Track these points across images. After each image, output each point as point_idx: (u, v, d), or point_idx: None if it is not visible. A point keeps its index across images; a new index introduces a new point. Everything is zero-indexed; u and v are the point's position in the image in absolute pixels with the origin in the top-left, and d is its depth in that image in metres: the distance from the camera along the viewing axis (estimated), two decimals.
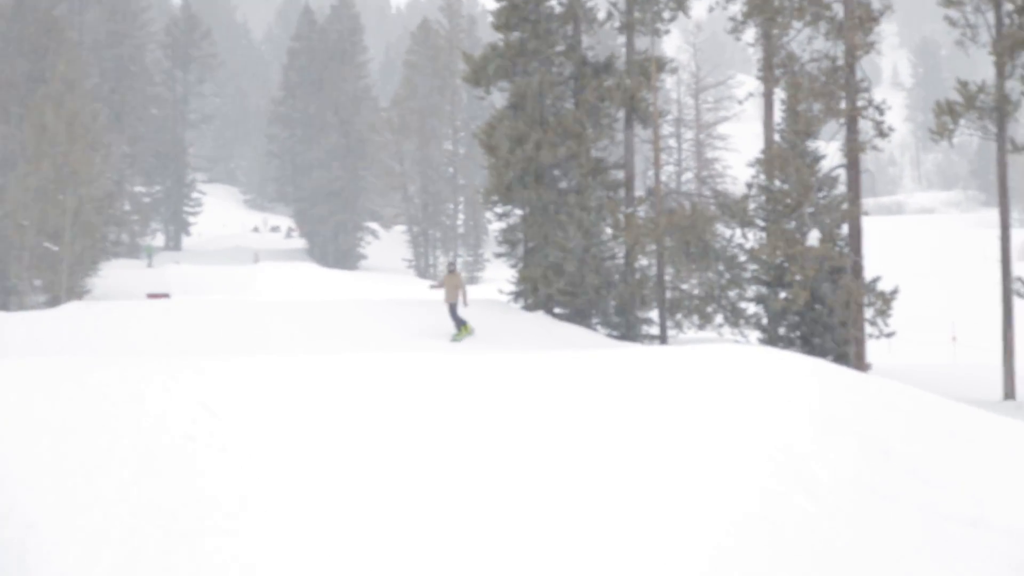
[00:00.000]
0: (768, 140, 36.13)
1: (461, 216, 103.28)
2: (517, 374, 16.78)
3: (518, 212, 37.19)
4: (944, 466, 13.91)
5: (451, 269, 28.29)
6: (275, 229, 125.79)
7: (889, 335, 31.31)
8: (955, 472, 13.78)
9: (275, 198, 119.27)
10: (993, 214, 45.62)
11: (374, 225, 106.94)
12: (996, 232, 33.13)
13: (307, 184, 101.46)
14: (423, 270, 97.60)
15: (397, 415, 13.33)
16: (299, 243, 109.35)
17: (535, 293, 35.55)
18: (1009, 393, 31.35)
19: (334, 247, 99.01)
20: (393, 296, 50.88)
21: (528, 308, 35.76)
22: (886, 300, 30.91)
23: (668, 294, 35.37)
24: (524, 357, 18.35)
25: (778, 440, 14.11)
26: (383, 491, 10.70)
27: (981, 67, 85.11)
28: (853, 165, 32.17)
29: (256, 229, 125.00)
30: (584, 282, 34.88)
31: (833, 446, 14.14)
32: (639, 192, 40.44)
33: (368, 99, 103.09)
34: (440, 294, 33.12)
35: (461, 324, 27.74)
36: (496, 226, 71.42)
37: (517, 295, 36.70)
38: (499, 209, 37.85)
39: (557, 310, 35.68)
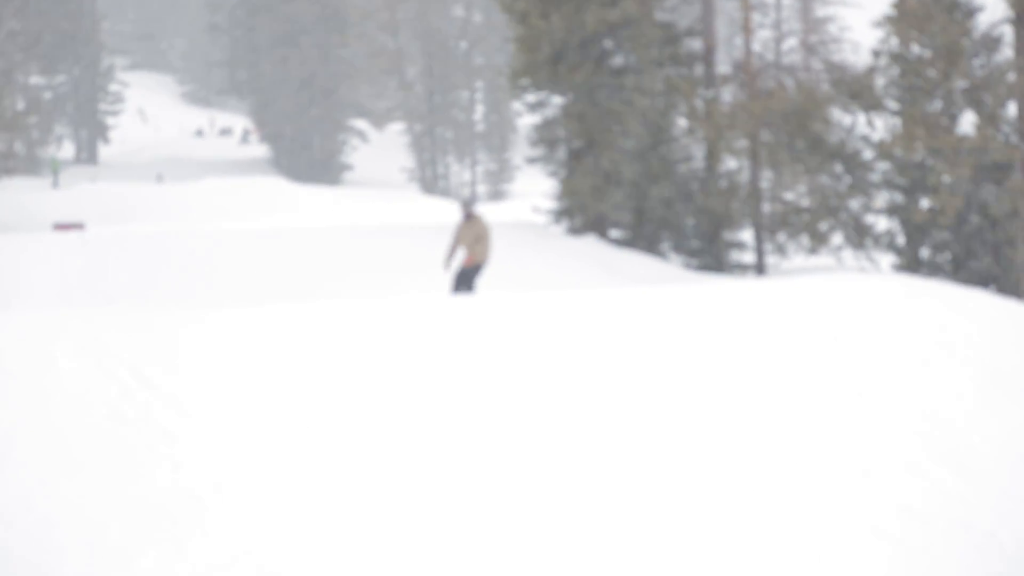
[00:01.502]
0: None
1: (480, 109, 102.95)
2: (555, 322, 16.75)
3: (557, 101, 37.06)
4: None
5: (468, 211, 22.97)
6: (226, 132, 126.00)
7: None
8: None
9: (224, 89, 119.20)
10: None
11: (362, 124, 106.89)
12: None
13: (268, 69, 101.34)
14: (430, 183, 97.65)
15: (386, 393, 13.38)
16: (259, 150, 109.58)
17: (584, 211, 35.54)
18: None
19: (307, 155, 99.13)
20: (392, 220, 50.96)
21: (574, 231, 35.77)
22: None
23: (767, 207, 35.26)
24: (568, 297, 18.35)
25: (926, 407, 14.08)
26: (373, 496, 10.78)
27: None
28: (1023, 18, 31.78)
29: (200, 132, 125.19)
30: (650, 195, 34.81)
31: (998, 412, 14.10)
32: (723, 68, 40.17)
33: None
34: (604, 246, 33.11)
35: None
36: (528, 121, 70.99)
37: (559, 214, 36.70)
38: (531, 98, 37.74)
39: (614, 233, 35.68)
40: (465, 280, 22.80)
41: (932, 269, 31.95)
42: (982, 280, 30.56)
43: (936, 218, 30.87)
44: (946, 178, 30.61)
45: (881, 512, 11.26)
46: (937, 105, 32.05)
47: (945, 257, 32.17)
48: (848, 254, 34.32)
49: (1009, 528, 11.27)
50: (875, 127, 33.92)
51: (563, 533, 10.39)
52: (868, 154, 33.96)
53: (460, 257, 23.06)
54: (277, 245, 32.32)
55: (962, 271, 31.44)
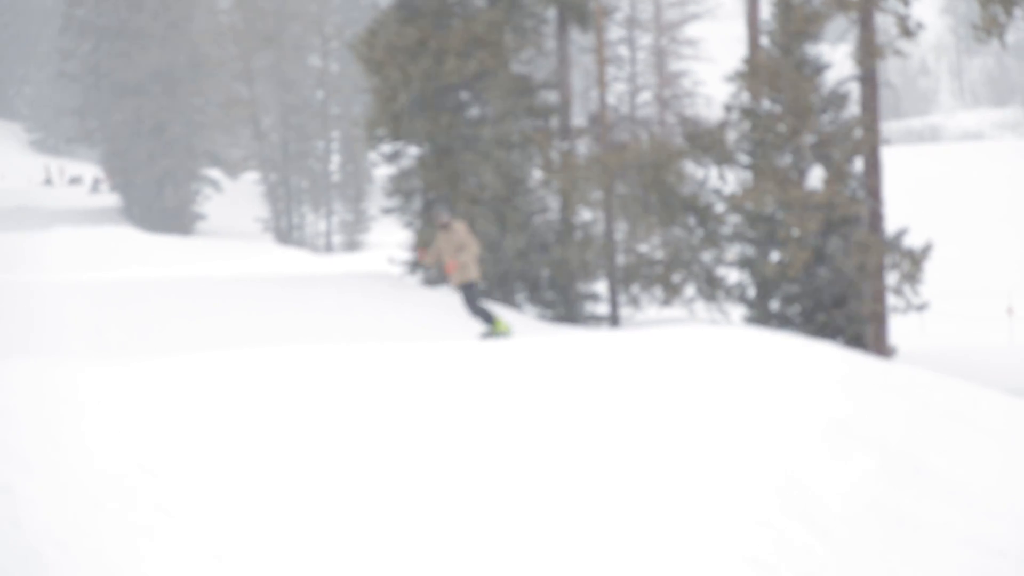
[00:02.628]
0: (753, 45, 36.39)
1: (335, 158, 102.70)
2: (410, 371, 16.75)
3: (413, 151, 37.10)
4: (994, 485, 14.16)
5: (442, 220, 20.81)
6: (75, 181, 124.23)
7: (920, 308, 31.80)
8: (1009, 493, 14.04)
9: (74, 138, 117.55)
10: None
11: (215, 173, 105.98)
12: None
13: (119, 117, 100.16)
14: (284, 233, 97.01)
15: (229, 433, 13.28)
16: (110, 200, 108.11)
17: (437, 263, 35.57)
18: None
19: (159, 205, 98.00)
20: (248, 271, 50.53)
21: (429, 282, 35.75)
22: (915, 261, 31.38)
23: (620, 259, 35.56)
24: (420, 347, 18.34)
25: (773, 457, 14.27)
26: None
27: None
28: (869, 77, 32.53)
29: (49, 181, 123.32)
30: (506, 246, 34.95)
31: (846, 461, 14.33)
32: (579, 120, 40.57)
33: None
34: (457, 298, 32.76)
35: (489, 315, 21.29)
36: (384, 171, 70.96)
37: (414, 265, 36.67)
38: (387, 148, 37.75)
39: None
40: (469, 298, 20.96)
41: (782, 321, 32.45)
42: (831, 333, 31.11)
43: (785, 271, 31.40)
44: (795, 232, 31.14)
45: (730, 565, 11.36)
46: (787, 160, 32.63)
47: (794, 309, 32.71)
48: (700, 306, 34.73)
49: None
50: (727, 180, 34.43)
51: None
52: (720, 207, 34.45)
53: (458, 275, 20.73)
54: (128, 296, 31.90)
55: (811, 323, 31.98)
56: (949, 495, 13.69)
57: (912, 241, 32.49)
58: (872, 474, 14.06)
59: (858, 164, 33.03)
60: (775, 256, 32.46)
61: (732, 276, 34.64)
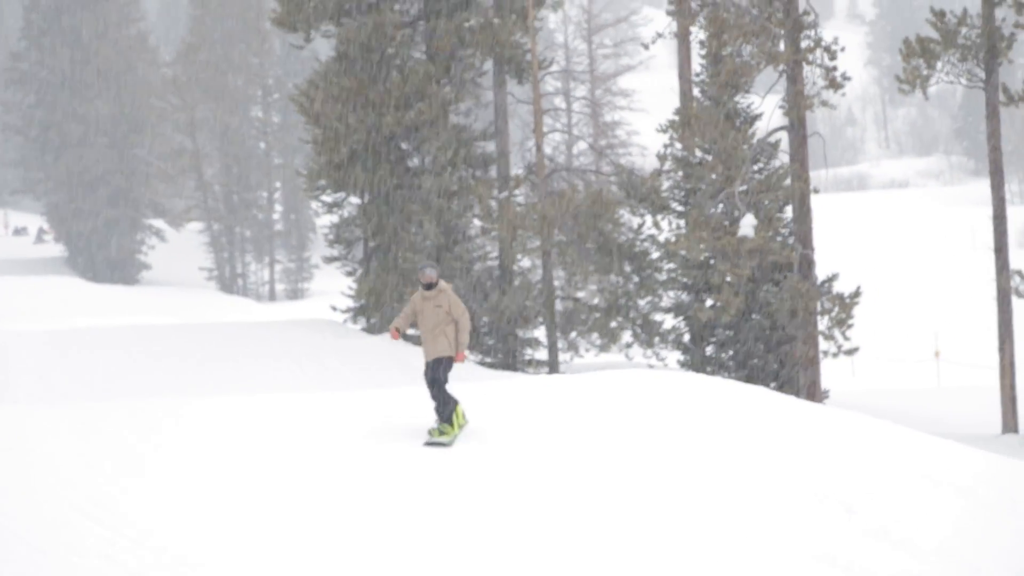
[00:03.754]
0: (685, 96, 36.63)
1: (278, 208, 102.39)
2: (352, 418, 16.75)
3: (354, 201, 37.04)
4: (926, 526, 14.24)
5: (427, 280, 16.46)
6: (20, 231, 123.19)
7: (850, 352, 31.95)
8: (940, 533, 14.11)
9: (19, 189, 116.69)
10: (983, 187, 46.91)
11: (159, 223, 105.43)
12: (987, 211, 34.11)
13: (63, 169, 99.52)
14: (228, 282, 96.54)
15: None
16: (55, 250, 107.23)
17: (380, 310, 35.42)
18: (1009, 425, 32.22)
19: (104, 255, 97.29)
20: (192, 319, 50.27)
21: (371, 330, 35.62)
22: (846, 306, 31.54)
23: (559, 306, 35.57)
24: (364, 395, 18.37)
25: (706, 497, 14.31)
26: None
27: None
28: (798, 127, 32.80)
29: None
30: None
31: (780, 503, 14.38)
32: (516, 170, 40.68)
33: (145, 50, 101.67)
34: (400, 344, 32.48)
35: (450, 410, 16.38)
36: (326, 220, 70.71)
37: (356, 312, 36.55)
38: (328, 197, 37.66)
39: (411, 332, 35.63)
40: (435, 381, 16.40)
41: (716, 366, 32.57)
42: (764, 377, 31.24)
43: (719, 316, 31.53)
44: (728, 278, 31.28)
45: None
46: (719, 208, 32.80)
47: (728, 355, 32.84)
48: (637, 351, 34.80)
49: None
50: (661, 228, 34.58)
51: None
52: (655, 254, 34.58)
53: (441, 346, 16.41)
54: (68, 344, 31.65)
55: (744, 368, 32.11)
56: (879, 536, 13.76)
57: (842, 286, 32.72)
58: (804, 516, 14.11)
59: (788, 211, 33.27)
60: (709, 302, 32.60)
61: (668, 322, 34.76)
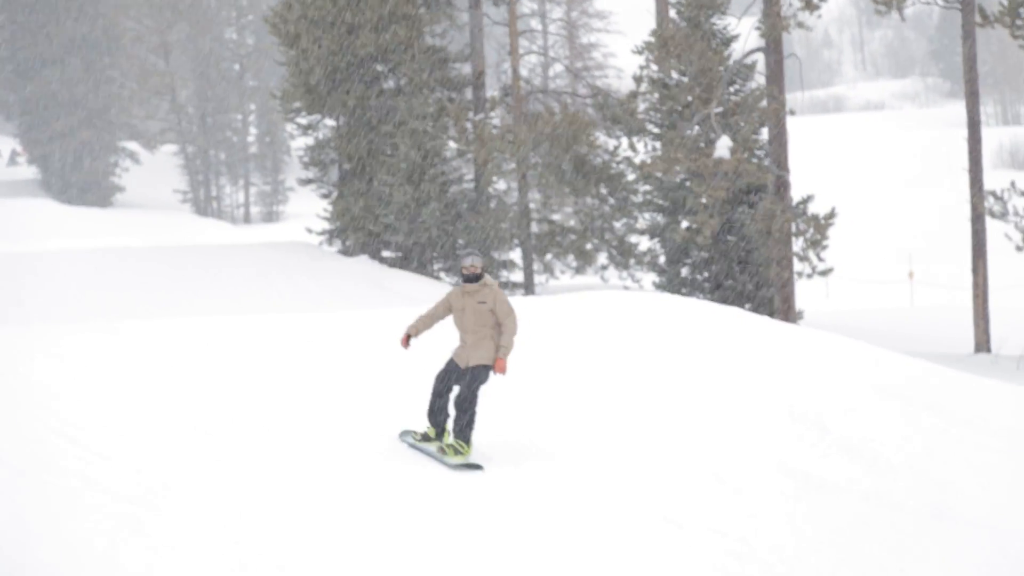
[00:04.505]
0: (661, 17, 36.51)
1: (253, 131, 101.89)
2: (325, 341, 16.79)
3: (329, 123, 36.93)
4: (898, 443, 14.37)
5: (471, 271, 13.46)
6: None
7: (825, 273, 32.10)
8: (912, 451, 14.25)
9: None
10: (959, 109, 46.85)
11: (133, 145, 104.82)
12: (963, 133, 34.17)
13: (35, 90, 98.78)
14: (202, 205, 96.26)
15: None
16: (28, 172, 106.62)
17: (355, 232, 35.44)
18: (982, 344, 32.49)
19: (78, 177, 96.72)
20: (167, 242, 50.14)
21: (347, 252, 35.67)
22: (820, 227, 31.64)
23: (534, 228, 35.62)
24: (339, 317, 18.37)
25: (680, 415, 14.41)
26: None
27: None
28: (774, 48, 32.75)
29: None
30: (422, 216, 34.92)
31: (753, 420, 14.50)
32: (492, 92, 40.56)
33: None
34: (376, 265, 32.27)
35: (471, 428, 13.39)
36: (300, 143, 70.51)
37: (332, 235, 36.56)
38: (303, 120, 37.55)
39: (386, 253, 35.68)
40: (476, 394, 13.44)
41: (692, 287, 32.67)
42: (739, 298, 31.35)
43: (694, 238, 31.59)
44: (704, 200, 31.32)
45: (647, 524, 11.47)
46: (695, 130, 32.77)
47: (704, 276, 32.93)
48: (612, 273, 34.88)
49: (766, 535, 11.56)
50: (637, 150, 34.55)
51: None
52: (631, 176, 34.57)
53: (484, 351, 13.43)
54: (45, 266, 31.57)
55: (719, 289, 32.21)
56: (852, 454, 13.89)
57: (817, 208, 32.79)
58: (779, 434, 14.23)
59: (764, 133, 33.27)
60: (684, 224, 32.66)
61: (643, 244, 34.82)
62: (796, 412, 14.86)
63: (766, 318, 20.82)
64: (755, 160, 32.50)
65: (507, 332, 13.47)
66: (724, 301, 28.67)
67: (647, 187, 34.10)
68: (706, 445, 13.65)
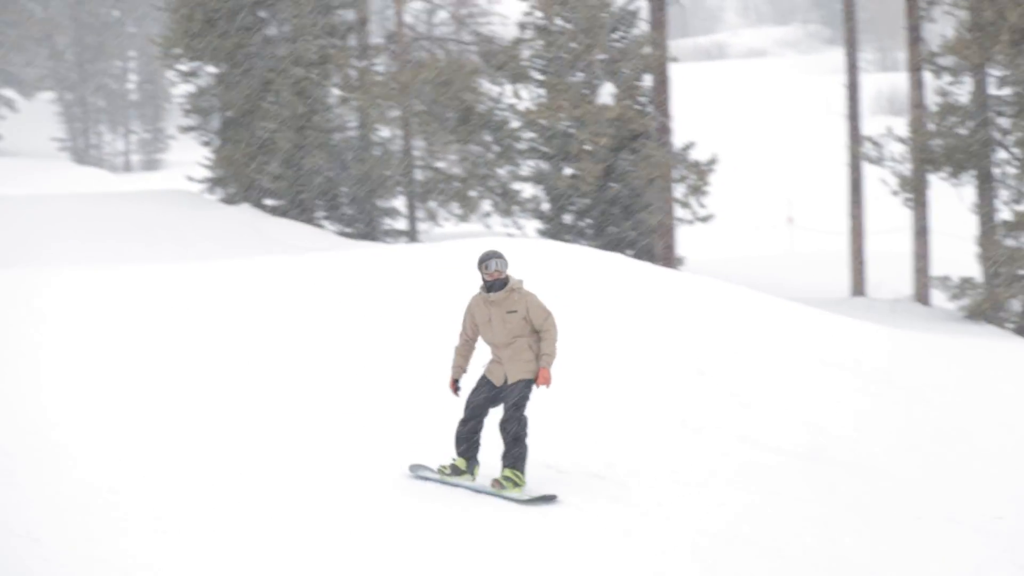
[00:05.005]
0: None
1: (133, 78, 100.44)
2: (207, 289, 16.70)
3: (211, 70, 36.48)
4: (773, 387, 14.64)
5: (493, 277, 11.77)
6: None
7: (706, 219, 32.46)
8: (787, 394, 14.52)
9: None
10: (840, 55, 47.29)
11: (9, 92, 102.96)
12: (843, 80, 34.68)
13: None
14: (81, 153, 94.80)
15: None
16: None
17: (238, 180, 35.13)
18: (858, 288, 33.09)
19: None
20: (45, 190, 49.42)
21: (229, 200, 35.36)
22: (702, 173, 31.98)
23: (418, 175, 35.57)
24: (220, 266, 18.25)
25: (562, 361, 14.57)
26: None
27: None
28: None
29: None
30: (305, 164, 34.69)
31: (633, 366, 14.68)
32: (376, 39, 40.30)
33: None
34: (259, 214, 31.84)
35: (524, 452, 11.63)
36: (182, 90, 69.48)
37: (214, 183, 36.20)
38: (184, 66, 37.04)
39: (269, 202, 35.41)
40: (522, 412, 11.63)
41: (575, 234, 32.85)
42: (622, 244, 31.58)
43: (578, 185, 31.77)
44: (587, 146, 31.47)
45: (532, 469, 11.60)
46: (579, 76, 32.88)
47: (586, 222, 33.14)
48: (496, 220, 34.97)
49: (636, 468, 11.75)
50: (521, 97, 34.57)
51: None
52: (515, 123, 34.61)
53: (524, 366, 11.66)
54: None
55: (602, 236, 32.43)
56: (729, 397, 14.13)
57: (699, 155, 33.07)
58: (657, 377, 14.43)
59: (647, 80, 33.44)
60: (568, 171, 32.79)
61: (527, 191, 34.90)
62: (675, 356, 15.07)
63: (647, 264, 21.06)
64: (638, 107, 32.70)
65: (548, 338, 11.67)
66: (607, 248, 28.85)
67: (531, 134, 34.16)
68: (590, 386, 13.81)
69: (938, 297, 31.20)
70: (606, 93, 33.62)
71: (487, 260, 11.57)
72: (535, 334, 11.68)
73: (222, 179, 35.79)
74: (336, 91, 36.31)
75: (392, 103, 34.79)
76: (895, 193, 31.61)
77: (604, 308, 16.75)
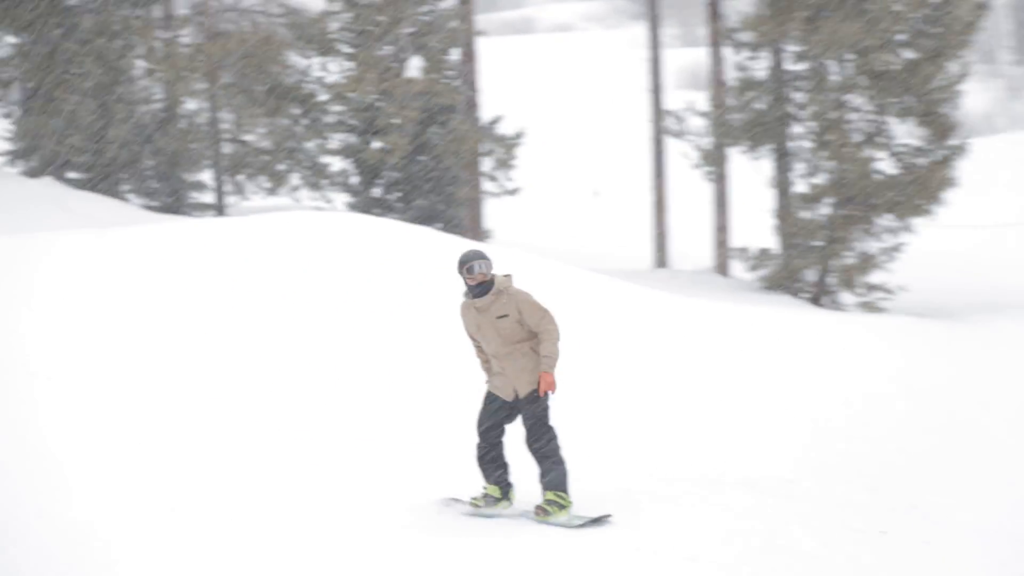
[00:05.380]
0: None
1: None
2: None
3: (11, 41, 35.64)
4: (572, 357, 14.91)
5: (476, 280, 10.62)
6: None
7: (513, 192, 32.80)
8: (585, 363, 14.82)
9: None
10: (644, 31, 47.90)
11: None
12: (647, 55, 35.27)
13: None
14: None
15: None
16: None
17: (40, 153, 34.41)
18: (662, 260, 33.73)
19: None
20: None
21: (31, 173, 34.62)
22: (509, 147, 32.29)
23: (226, 149, 35.25)
24: (19, 241, 17.94)
25: (363, 333, 14.66)
26: None
27: None
28: None
29: None
30: (108, 136, 34.13)
31: (437, 333, 14.84)
32: (182, 10, 39.79)
33: None
34: (60, 187, 31.12)
35: (563, 471, 10.54)
36: None
37: (15, 156, 35.41)
38: None
39: (72, 175, 34.75)
40: (545, 423, 10.55)
41: (384, 207, 32.92)
42: (430, 217, 31.75)
43: (386, 158, 31.83)
44: (395, 120, 31.55)
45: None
46: (386, 50, 32.91)
47: (396, 196, 33.23)
48: (305, 194, 34.86)
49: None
50: (329, 70, 34.48)
51: None
52: (323, 96, 34.51)
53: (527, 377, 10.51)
54: None
55: (412, 209, 32.56)
56: None
57: (506, 129, 33.35)
58: (464, 352, 14.63)
59: (456, 54, 33.60)
60: (377, 144, 32.81)
61: (336, 164, 34.85)
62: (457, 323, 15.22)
63: (455, 237, 21.25)
64: (446, 80, 32.85)
65: (548, 339, 10.40)
66: (415, 220, 29.02)
67: (340, 108, 34.09)
68: (385, 359, 13.95)
69: (737, 268, 31.98)
70: (414, 67, 33.72)
71: (469, 263, 10.37)
72: (535, 337, 10.47)
73: (24, 152, 35.03)
74: (141, 63, 35.77)
75: (199, 76, 34.40)
76: (696, 167, 32.28)
77: (411, 281, 16.88)
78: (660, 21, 35.62)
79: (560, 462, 10.32)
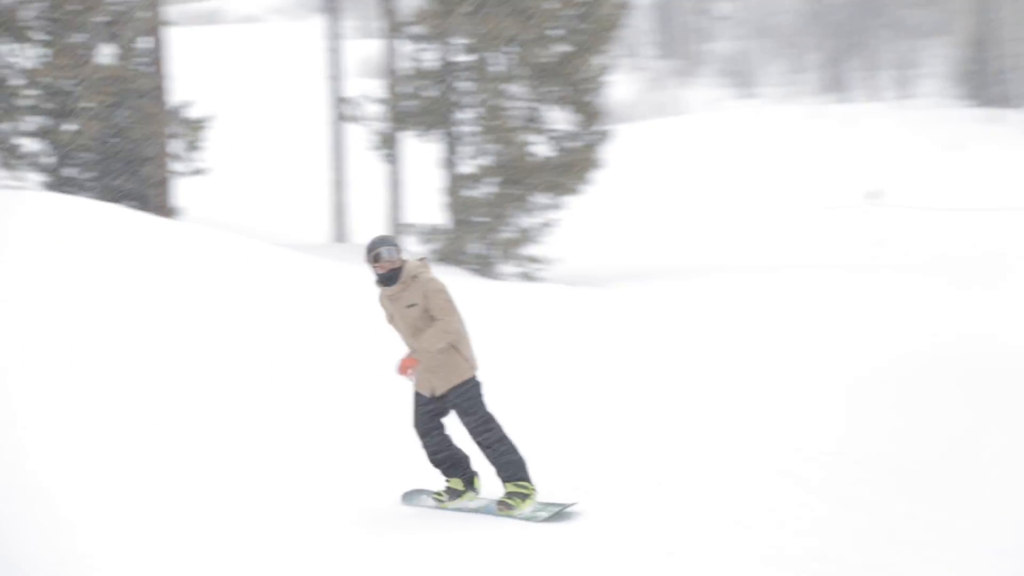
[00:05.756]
0: None
1: None
2: None
3: None
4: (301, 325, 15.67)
5: (384, 268, 9.73)
6: None
7: (201, 172, 33.19)
8: (259, 330, 15.63)
9: None
10: (325, 23, 48.50)
11: None
12: (327, 45, 36.13)
13: None
14: None
15: None
16: None
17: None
18: (340, 235, 34.69)
19: None
20: None
21: None
22: (196, 130, 32.66)
23: None
24: None
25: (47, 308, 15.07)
26: None
27: None
28: None
29: None
30: None
31: (123, 304, 15.40)
32: None
33: None
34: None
35: (518, 460, 9.79)
36: None
37: None
38: None
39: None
40: (480, 414, 9.70)
41: (78, 187, 32.81)
42: (123, 196, 31.85)
43: (78, 140, 31.78)
44: (88, 104, 31.49)
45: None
46: (81, 37, 32.73)
47: (89, 176, 33.11)
48: (1, 174, 34.38)
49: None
50: (24, 56, 34.01)
51: None
52: (18, 81, 34.01)
53: (441, 374, 9.74)
54: None
55: (106, 189, 32.54)
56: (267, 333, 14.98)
57: (195, 113, 33.66)
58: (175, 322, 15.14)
59: (147, 42, 33.62)
60: (71, 127, 32.60)
61: (31, 146, 34.45)
62: (150, 297, 15.77)
63: (146, 215, 21.71)
64: (135, 68, 32.93)
65: (433, 330, 9.34)
66: (109, 199, 29.18)
67: (36, 92, 33.71)
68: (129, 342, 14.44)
69: (411, 242, 33.16)
70: (107, 53, 33.62)
71: (375, 249, 9.40)
72: (437, 321, 9.42)
73: None
74: None
75: None
76: (373, 149, 33.36)
77: (94, 257, 17.24)
78: (340, 14, 36.59)
79: (511, 450, 9.53)
